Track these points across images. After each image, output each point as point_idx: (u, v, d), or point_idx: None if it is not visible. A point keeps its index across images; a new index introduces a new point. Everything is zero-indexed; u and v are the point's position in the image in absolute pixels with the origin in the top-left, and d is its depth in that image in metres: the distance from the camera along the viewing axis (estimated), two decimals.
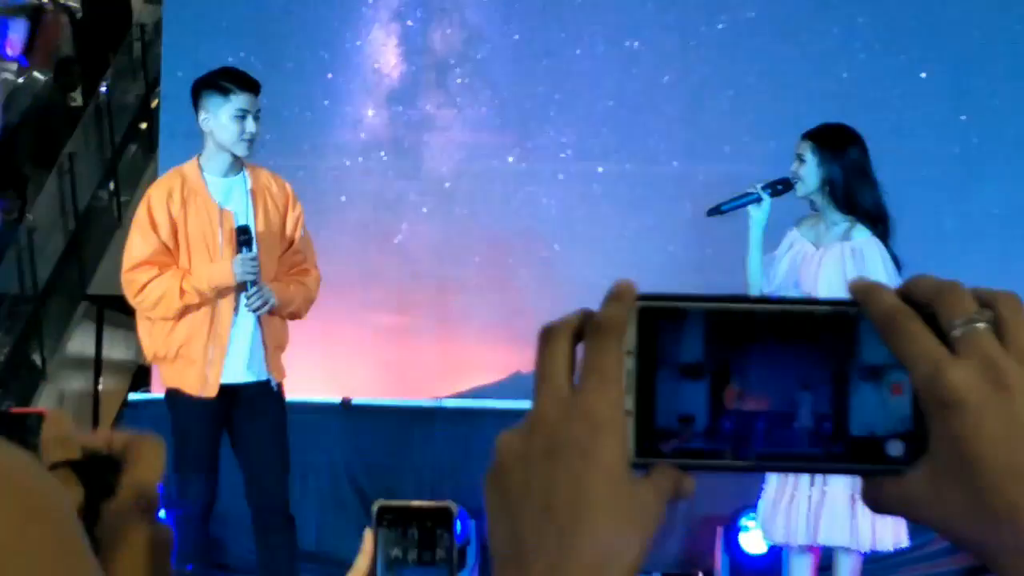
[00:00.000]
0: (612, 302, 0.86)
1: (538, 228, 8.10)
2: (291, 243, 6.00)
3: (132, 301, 5.73)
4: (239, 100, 5.79)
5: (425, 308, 7.95)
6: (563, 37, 8.13)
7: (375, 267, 7.94)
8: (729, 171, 7.98)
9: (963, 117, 7.88)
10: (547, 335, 0.87)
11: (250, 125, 5.80)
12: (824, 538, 6.02)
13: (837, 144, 6.29)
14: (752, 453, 0.87)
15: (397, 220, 8.18)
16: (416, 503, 1.74)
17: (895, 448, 0.87)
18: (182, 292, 5.61)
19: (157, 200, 5.73)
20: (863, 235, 6.31)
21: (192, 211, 5.76)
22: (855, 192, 6.33)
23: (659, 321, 0.87)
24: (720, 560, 6.81)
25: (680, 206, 8.00)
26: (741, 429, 0.87)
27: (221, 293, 5.65)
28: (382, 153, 8.24)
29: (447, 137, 8.23)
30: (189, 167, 5.86)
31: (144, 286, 5.64)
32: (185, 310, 5.66)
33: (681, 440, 0.87)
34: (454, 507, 1.53)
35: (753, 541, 6.59)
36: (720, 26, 8.08)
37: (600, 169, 8.19)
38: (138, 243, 5.72)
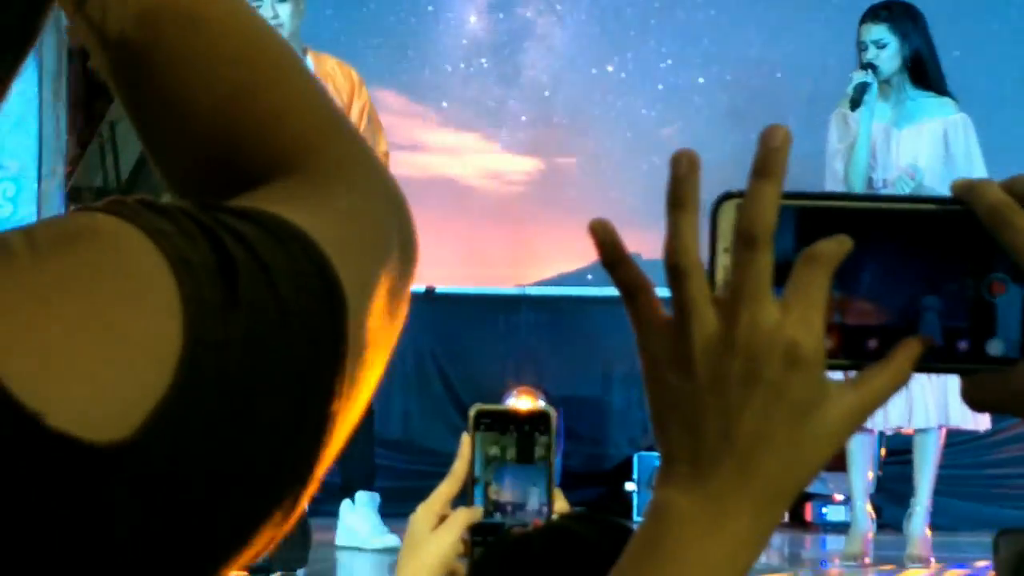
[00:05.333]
0: (763, 187, 0.83)
1: (636, 139, 8.07)
2: None
3: None
4: None
5: (503, 194, 7.97)
6: None
7: (469, 171, 7.99)
8: (833, 83, 7.88)
9: None
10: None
11: (266, 12, 5.77)
12: (918, 421, 5.96)
13: (915, 19, 6.19)
14: (854, 356, 0.86)
15: (497, 127, 8.22)
16: (513, 407, 1.77)
17: (997, 348, 0.86)
18: None
19: None
20: (954, 111, 6.21)
21: None
22: (939, 66, 6.23)
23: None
24: None
25: (782, 118, 7.91)
26: (842, 332, 0.86)
27: None
28: (483, 60, 8.29)
29: (547, 45, 8.25)
30: None
31: None
32: None
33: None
34: (552, 411, 1.55)
35: None
36: None
37: (700, 80, 8.14)
38: None
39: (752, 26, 8.05)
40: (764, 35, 8.05)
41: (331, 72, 6.00)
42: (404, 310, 0.77)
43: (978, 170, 6.05)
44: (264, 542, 0.66)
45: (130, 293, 0.62)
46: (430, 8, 8.25)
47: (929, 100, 6.19)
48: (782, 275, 0.83)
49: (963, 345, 0.86)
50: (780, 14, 8.00)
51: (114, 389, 0.59)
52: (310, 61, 6.01)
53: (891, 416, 5.97)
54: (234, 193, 0.72)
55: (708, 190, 0.84)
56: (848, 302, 0.85)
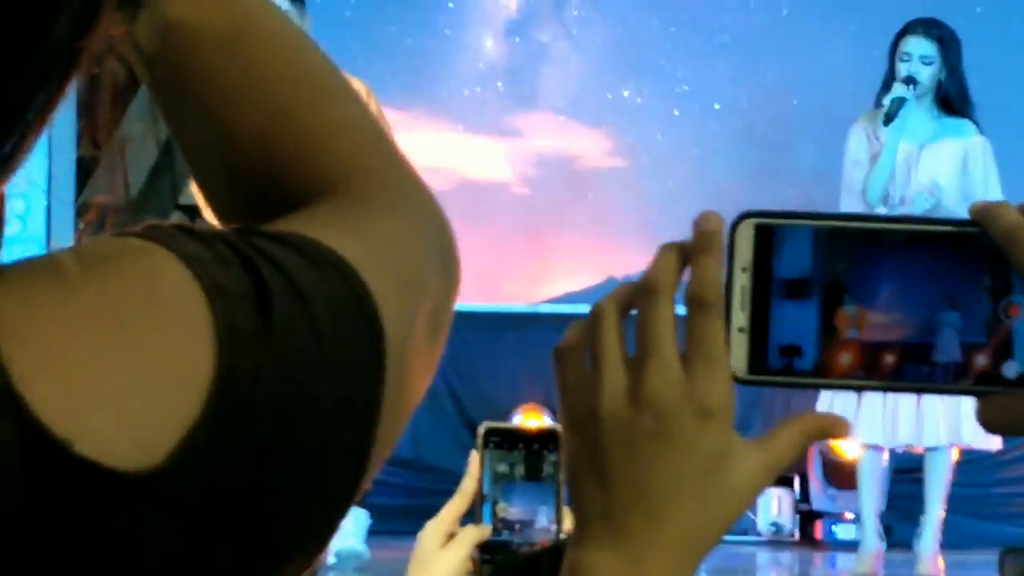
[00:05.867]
0: (703, 258, 0.85)
1: (651, 166, 8.07)
2: None
3: None
4: None
5: (514, 209, 7.98)
6: None
7: (474, 184, 8.01)
8: (850, 107, 7.88)
9: None
10: (651, 299, 0.85)
11: None
12: (929, 439, 5.95)
13: (958, 43, 6.18)
14: (859, 374, 0.87)
15: (512, 150, 8.24)
16: (522, 426, 1.79)
17: (1012, 369, 0.87)
18: None
19: None
20: (975, 133, 6.20)
21: None
22: (967, 91, 6.22)
23: (774, 237, 0.88)
24: (814, 463, 6.74)
25: (801, 145, 7.92)
26: (859, 348, 0.87)
27: None
28: (499, 83, 8.31)
29: (563, 69, 8.27)
30: None
31: None
32: None
33: (793, 359, 0.88)
34: (560, 432, 1.57)
35: (846, 445, 6.49)
36: None
37: (717, 106, 8.14)
38: None
39: (768, 52, 8.06)
40: (780, 61, 8.05)
41: None
42: (445, 335, 0.77)
43: (995, 195, 6.04)
44: (296, 570, 0.65)
45: (163, 320, 0.61)
46: (447, 31, 8.29)
47: (951, 121, 6.19)
48: (800, 291, 0.86)
49: (978, 362, 0.86)
50: (796, 40, 8.01)
51: (144, 416, 0.59)
52: None
53: (900, 434, 5.96)
54: (276, 215, 0.72)
55: (723, 215, 0.86)
56: (864, 318, 0.86)
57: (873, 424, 5.97)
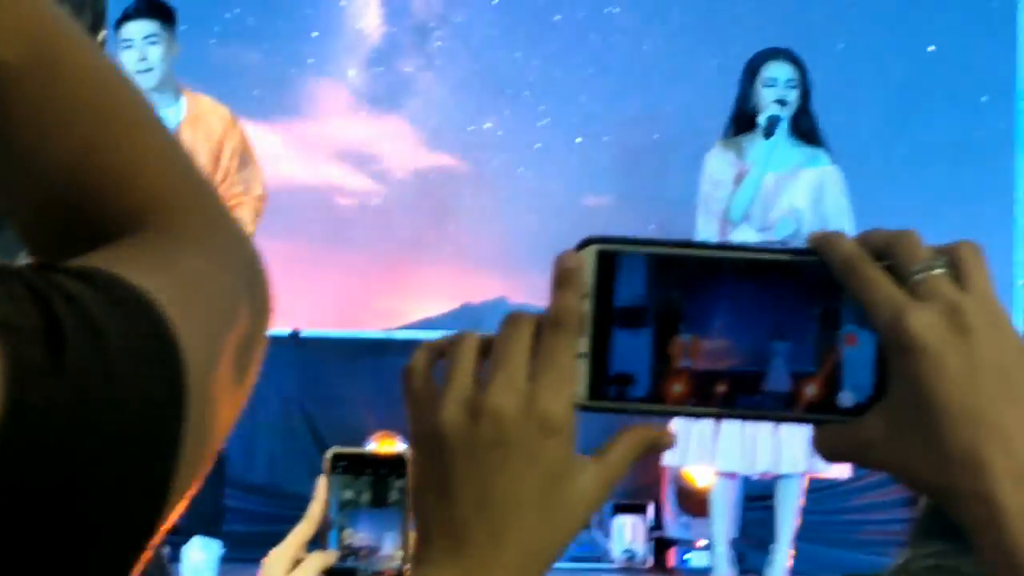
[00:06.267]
0: (561, 290, 0.87)
1: (511, 200, 8.09)
2: (226, 174, 5.99)
3: None
4: (124, 30, 5.84)
5: (370, 235, 7.97)
6: (543, 3, 8.18)
7: (336, 212, 7.99)
8: (712, 142, 7.96)
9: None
10: (511, 320, 0.88)
11: (136, 54, 5.79)
12: (786, 467, 6.01)
13: (806, 71, 6.31)
14: (692, 402, 0.88)
15: (374, 179, 8.23)
16: (370, 451, 1.81)
17: (848, 398, 0.88)
18: None
19: None
20: (828, 162, 6.33)
21: None
22: (815, 118, 6.34)
23: (617, 264, 0.88)
24: (668, 491, 6.79)
25: (661, 176, 7.98)
26: (692, 376, 0.88)
27: None
28: (362, 112, 8.30)
29: (425, 100, 8.27)
30: None
31: None
32: None
33: (627, 386, 0.88)
34: (408, 455, 1.58)
35: (696, 471, 6.53)
36: None
37: (578, 139, 8.18)
38: None
39: (630, 87, 8.12)
40: (642, 96, 8.11)
41: (205, 112, 5.98)
42: (256, 368, 0.77)
43: (847, 222, 6.15)
44: None
45: None
46: (310, 60, 8.26)
47: (808, 150, 6.30)
48: (638, 319, 0.87)
49: (811, 391, 0.87)
50: (658, 76, 8.09)
51: None
52: (185, 101, 5.98)
53: (759, 461, 6.01)
54: (87, 249, 0.72)
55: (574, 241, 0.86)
56: (698, 347, 0.87)
57: (731, 452, 6.02)
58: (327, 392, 7.32)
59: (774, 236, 6.15)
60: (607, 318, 0.88)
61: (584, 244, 0.88)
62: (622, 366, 0.88)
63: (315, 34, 8.27)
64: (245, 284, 0.77)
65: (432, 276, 7.89)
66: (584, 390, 0.88)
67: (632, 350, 0.88)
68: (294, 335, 7.42)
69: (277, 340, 7.62)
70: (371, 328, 7.64)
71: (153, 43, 5.85)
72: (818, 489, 6.41)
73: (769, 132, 6.13)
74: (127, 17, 5.89)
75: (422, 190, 8.14)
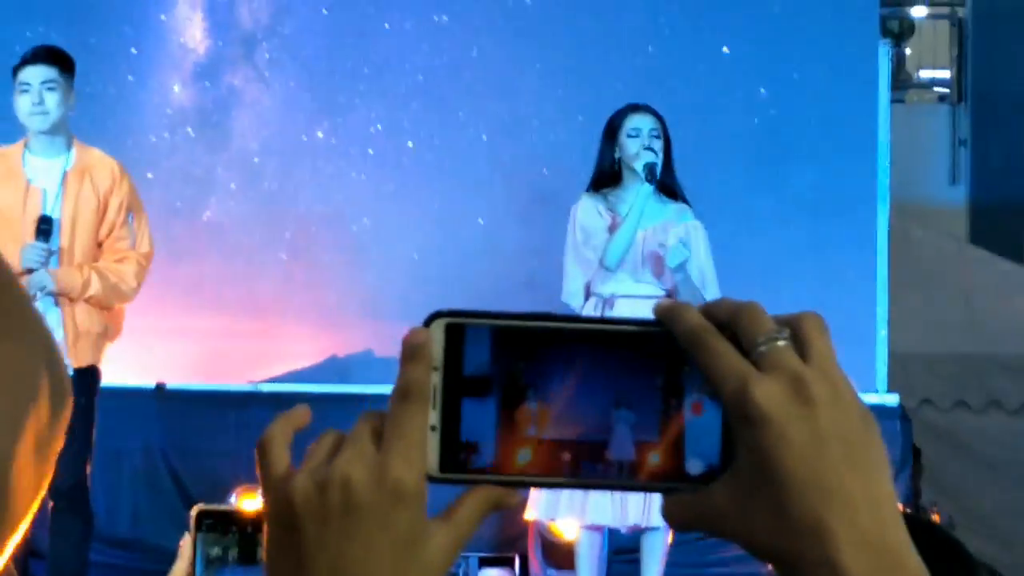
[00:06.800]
0: (410, 364, 0.88)
1: (348, 204, 8.07)
2: (112, 228, 5.92)
3: None
4: (23, 74, 5.76)
5: (236, 288, 7.90)
6: (372, 12, 8.08)
7: (184, 245, 7.86)
8: (537, 145, 8.06)
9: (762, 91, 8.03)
10: (363, 414, 0.88)
11: (33, 98, 5.73)
12: (656, 519, 6.07)
13: (664, 122, 6.35)
14: (537, 471, 0.88)
15: (205, 196, 8.10)
16: (236, 508, 1.72)
17: (695, 467, 0.88)
18: None
19: None
20: (692, 217, 6.40)
21: (3, 188, 5.72)
22: (674, 173, 6.42)
23: (465, 337, 0.88)
24: (535, 543, 6.86)
25: (490, 180, 8.06)
26: (538, 446, 0.88)
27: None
28: (189, 129, 8.13)
29: (255, 112, 8.15)
30: (15, 146, 5.85)
31: None
32: None
33: (472, 455, 0.88)
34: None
35: (562, 524, 6.60)
36: (528, 1, 8.11)
37: (410, 144, 8.18)
38: None
39: (459, 92, 8.13)
40: (470, 101, 8.13)
41: (93, 164, 5.91)
42: (55, 453, 0.78)
43: (710, 278, 6.27)
44: None
45: None
46: (130, 78, 8.03)
47: (674, 205, 6.35)
48: (483, 389, 0.88)
49: (655, 460, 0.88)
50: (486, 81, 8.11)
51: None
52: (75, 152, 5.89)
53: (630, 514, 6.13)
54: None
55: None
56: (544, 416, 0.88)
57: (602, 506, 6.12)
58: (192, 445, 7.29)
59: (668, 264, 6.24)
60: (457, 390, 0.88)
61: (432, 318, 0.89)
62: (471, 436, 0.88)
63: (134, 51, 8.04)
64: (43, 370, 0.78)
65: (292, 326, 7.84)
66: (435, 462, 0.88)
67: (481, 421, 0.88)
68: (159, 388, 7.38)
69: (142, 393, 7.62)
70: (236, 381, 7.61)
71: (51, 89, 5.79)
72: (683, 542, 6.59)
73: (651, 177, 6.19)
74: (26, 62, 5.81)
75: (257, 201, 8.07)
